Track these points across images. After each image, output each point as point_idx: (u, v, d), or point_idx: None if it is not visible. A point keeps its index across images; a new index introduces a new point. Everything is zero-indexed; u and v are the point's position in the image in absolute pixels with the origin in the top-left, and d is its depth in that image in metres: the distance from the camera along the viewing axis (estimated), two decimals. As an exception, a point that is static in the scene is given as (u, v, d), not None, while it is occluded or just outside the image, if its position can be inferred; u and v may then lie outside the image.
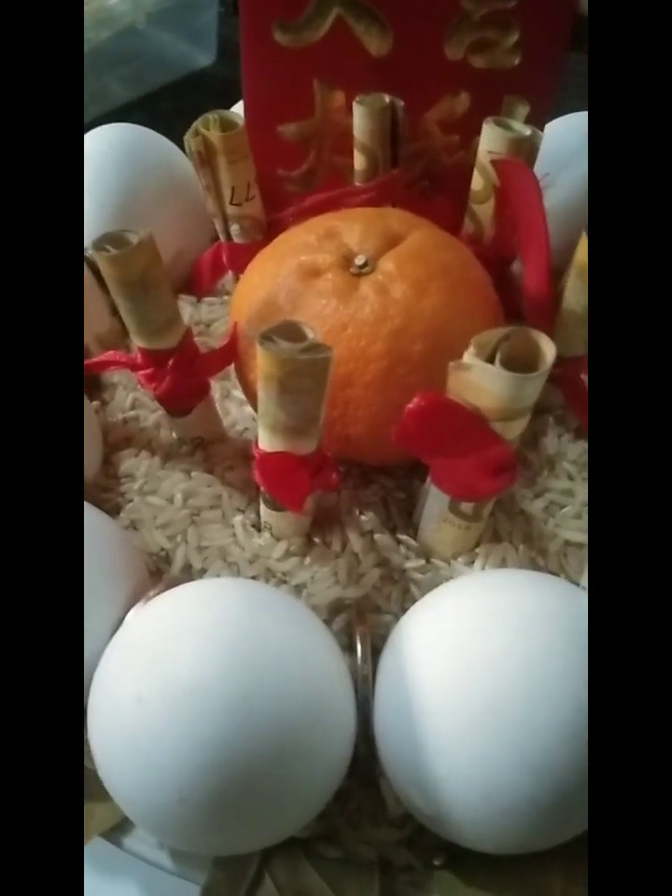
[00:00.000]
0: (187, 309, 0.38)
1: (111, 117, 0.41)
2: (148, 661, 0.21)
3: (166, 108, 0.65)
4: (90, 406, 0.32)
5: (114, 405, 0.34)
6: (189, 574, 0.29)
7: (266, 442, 0.25)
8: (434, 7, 0.31)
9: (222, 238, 0.36)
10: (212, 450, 0.32)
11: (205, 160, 0.32)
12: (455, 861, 0.24)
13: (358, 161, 0.33)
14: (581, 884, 0.23)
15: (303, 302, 0.28)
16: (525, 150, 0.30)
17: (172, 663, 0.20)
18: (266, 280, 0.29)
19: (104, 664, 0.22)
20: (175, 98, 0.66)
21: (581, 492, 0.31)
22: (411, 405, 0.24)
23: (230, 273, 0.37)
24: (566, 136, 0.38)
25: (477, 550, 0.29)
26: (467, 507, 0.27)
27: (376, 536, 0.30)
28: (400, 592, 0.29)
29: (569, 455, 0.32)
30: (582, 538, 0.30)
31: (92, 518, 0.26)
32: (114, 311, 0.28)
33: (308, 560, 0.29)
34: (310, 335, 0.23)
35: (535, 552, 0.29)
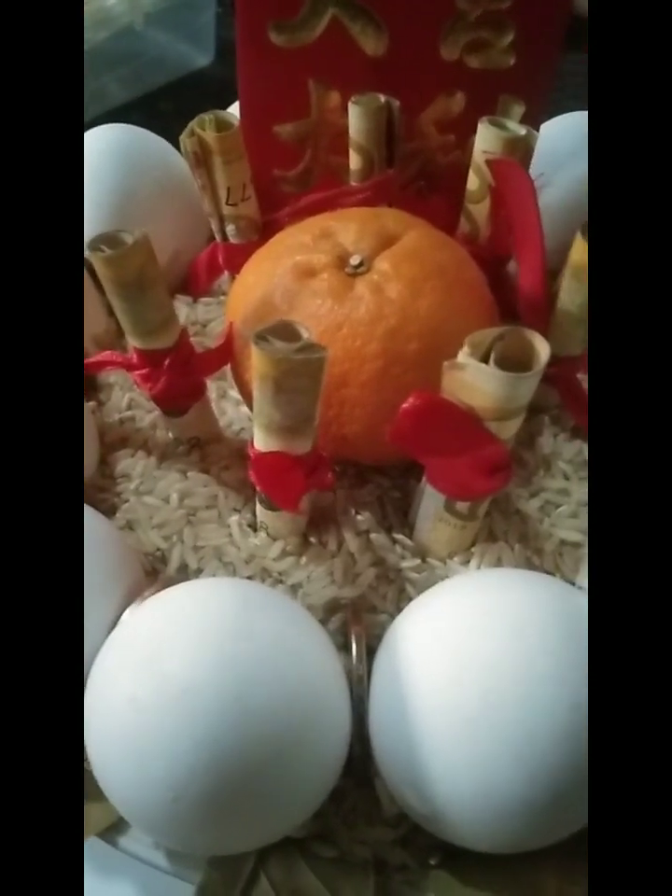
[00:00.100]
0: (183, 309, 0.38)
1: (109, 117, 0.41)
2: (142, 661, 0.21)
3: (164, 109, 0.65)
4: (86, 406, 0.32)
5: (110, 405, 0.34)
6: (184, 574, 0.29)
7: (261, 442, 0.25)
8: (429, 7, 0.31)
9: (218, 238, 0.36)
10: (208, 450, 0.32)
11: (201, 160, 0.32)
12: (450, 861, 0.24)
13: (354, 161, 0.33)
14: (575, 883, 0.23)
15: (299, 302, 0.28)
16: (521, 150, 0.30)
17: (166, 662, 0.20)
18: (262, 280, 0.29)
19: (98, 663, 0.22)
20: (173, 98, 0.66)
21: (577, 491, 0.31)
22: (405, 405, 0.24)
23: (226, 273, 0.37)
24: (561, 136, 0.38)
25: (473, 549, 0.29)
26: (462, 506, 0.27)
27: (372, 535, 0.30)
28: (396, 591, 0.29)
29: (565, 455, 0.32)
30: (578, 537, 0.30)
31: (89, 518, 0.26)
32: (110, 311, 0.28)
33: (304, 560, 0.29)
34: (305, 335, 0.23)
35: (530, 551, 0.29)
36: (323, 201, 0.33)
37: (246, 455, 0.26)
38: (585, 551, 0.29)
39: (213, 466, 0.32)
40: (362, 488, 0.31)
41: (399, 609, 0.26)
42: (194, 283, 0.39)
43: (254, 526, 0.30)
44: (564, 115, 0.40)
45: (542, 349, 0.23)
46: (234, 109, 0.35)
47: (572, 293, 0.28)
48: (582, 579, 0.28)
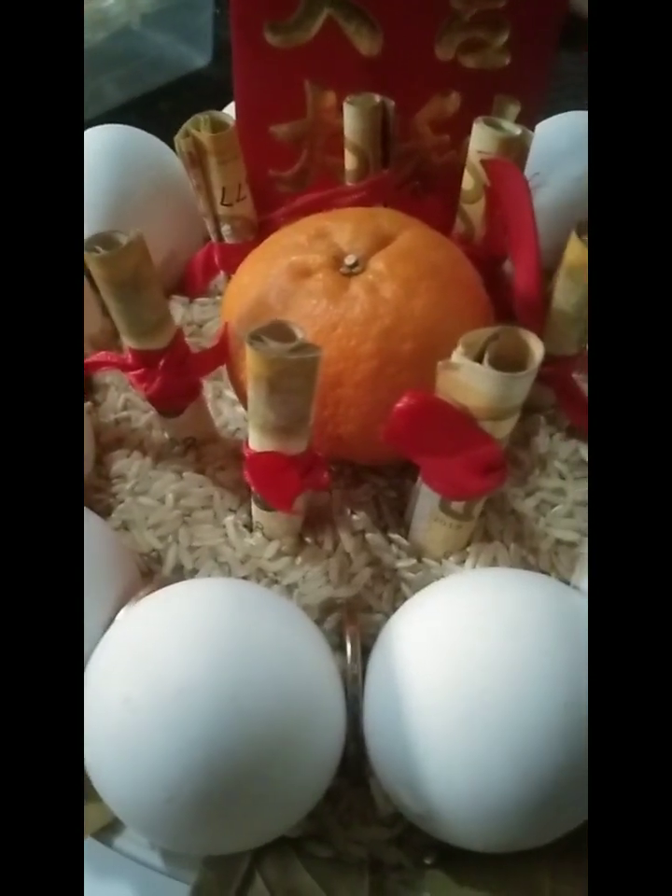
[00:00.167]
0: (179, 309, 0.38)
1: (107, 118, 0.41)
2: (136, 661, 0.21)
3: (162, 109, 0.65)
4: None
5: (106, 406, 0.34)
6: (180, 574, 0.29)
7: (256, 442, 0.25)
8: (424, 7, 0.31)
9: (213, 238, 0.36)
10: (204, 450, 0.32)
11: (196, 160, 0.32)
12: (445, 860, 0.24)
13: (349, 161, 0.33)
14: (569, 882, 0.23)
15: (294, 302, 0.28)
16: (516, 150, 0.30)
17: (159, 663, 0.20)
18: (257, 280, 0.29)
19: (93, 664, 0.22)
20: (171, 99, 0.66)
21: (573, 491, 0.31)
22: (399, 404, 0.24)
23: (222, 273, 0.37)
24: (557, 136, 0.38)
25: (468, 549, 0.29)
26: (457, 506, 0.27)
27: (368, 535, 0.30)
28: (392, 591, 0.29)
29: (561, 455, 0.32)
30: (574, 536, 0.30)
31: (84, 518, 0.27)
32: (105, 312, 0.28)
33: (299, 560, 0.29)
34: (299, 335, 0.23)
35: (526, 550, 0.29)
36: (318, 201, 0.33)
37: (242, 455, 0.26)
38: (581, 550, 0.29)
39: (208, 466, 0.32)
40: (358, 488, 0.31)
41: (395, 609, 0.25)
42: (190, 283, 0.39)
43: (249, 527, 0.30)
44: (559, 115, 0.40)
45: (536, 349, 0.23)
46: (231, 110, 0.35)
47: (567, 293, 0.28)
48: (578, 578, 0.28)
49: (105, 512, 0.30)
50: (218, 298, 0.39)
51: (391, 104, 0.32)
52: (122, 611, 0.25)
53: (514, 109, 0.33)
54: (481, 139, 0.30)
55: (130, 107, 0.65)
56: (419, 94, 0.33)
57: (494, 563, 0.29)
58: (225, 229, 0.35)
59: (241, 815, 0.21)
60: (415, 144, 0.35)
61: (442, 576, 0.28)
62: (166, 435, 0.33)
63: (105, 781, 0.21)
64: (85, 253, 0.24)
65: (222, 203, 0.33)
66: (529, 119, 0.33)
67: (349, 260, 0.28)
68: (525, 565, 0.29)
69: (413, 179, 0.36)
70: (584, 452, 0.32)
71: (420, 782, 0.21)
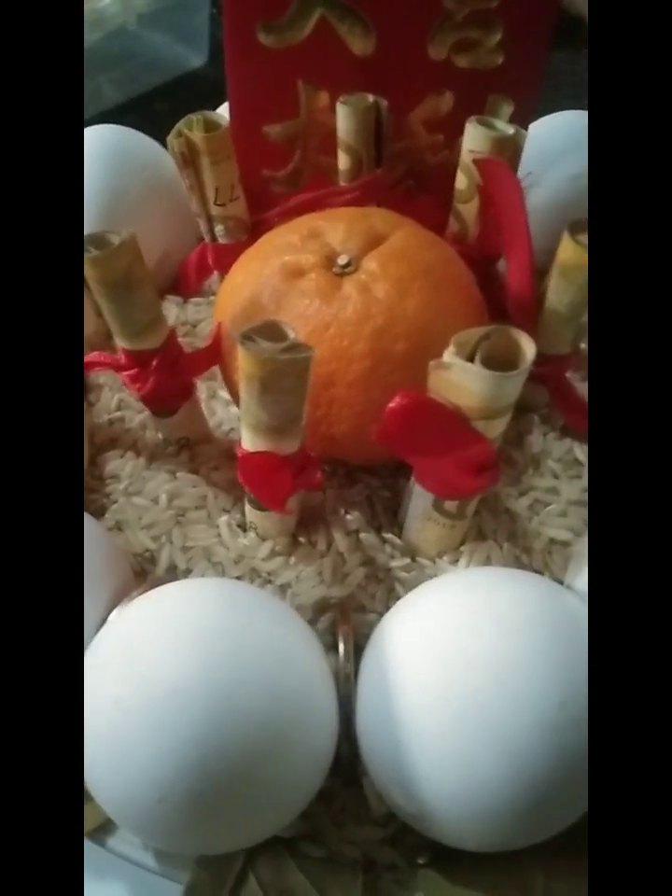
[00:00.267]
0: (173, 309, 0.38)
1: (104, 118, 0.41)
2: (127, 661, 0.21)
3: (159, 109, 0.65)
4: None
5: (100, 406, 0.34)
6: (173, 574, 0.29)
7: (249, 442, 0.25)
8: (416, 7, 0.31)
9: (207, 239, 0.36)
10: (198, 450, 0.32)
11: (189, 160, 0.32)
12: (438, 860, 0.24)
13: (343, 161, 0.33)
14: (562, 880, 0.23)
15: (287, 302, 0.28)
16: (509, 149, 0.30)
17: (150, 663, 0.20)
18: (250, 280, 0.29)
19: (85, 664, 0.22)
20: (167, 99, 0.66)
21: (566, 490, 0.31)
22: (391, 404, 0.24)
23: (216, 273, 0.37)
24: (551, 135, 0.38)
25: (462, 548, 0.29)
26: (450, 505, 0.27)
27: (361, 535, 0.30)
28: (385, 591, 0.29)
29: (554, 454, 0.32)
30: (567, 535, 0.30)
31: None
32: (99, 312, 0.28)
33: (293, 560, 0.29)
34: (291, 335, 0.23)
35: (519, 550, 0.29)
36: (312, 201, 0.33)
37: (236, 455, 0.26)
38: (574, 549, 0.29)
39: (202, 466, 0.32)
40: (352, 488, 0.31)
41: (389, 609, 0.26)
42: (184, 283, 0.39)
43: (243, 527, 0.30)
44: (553, 114, 0.40)
45: (528, 348, 0.23)
46: (227, 109, 0.35)
47: (560, 292, 0.28)
48: (571, 577, 0.28)
49: (98, 513, 0.30)
50: (212, 298, 0.39)
51: (384, 103, 0.32)
52: (115, 612, 0.25)
53: (508, 109, 0.33)
54: (474, 139, 0.30)
55: (126, 107, 0.65)
56: (413, 94, 0.33)
57: (487, 562, 0.29)
58: (218, 229, 0.35)
59: (233, 815, 0.21)
60: (409, 143, 0.35)
61: (436, 575, 0.28)
62: (160, 435, 0.33)
63: (97, 781, 0.21)
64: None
65: (215, 204, 0.33)
66: (523, 119, 0.33)
67: (342, 260, 0.28)
68: (519, 564, 0.29)
69: (407, 179, 0.36)
70: (578, 451, 0.32)
71: (412, 782, 0.21)
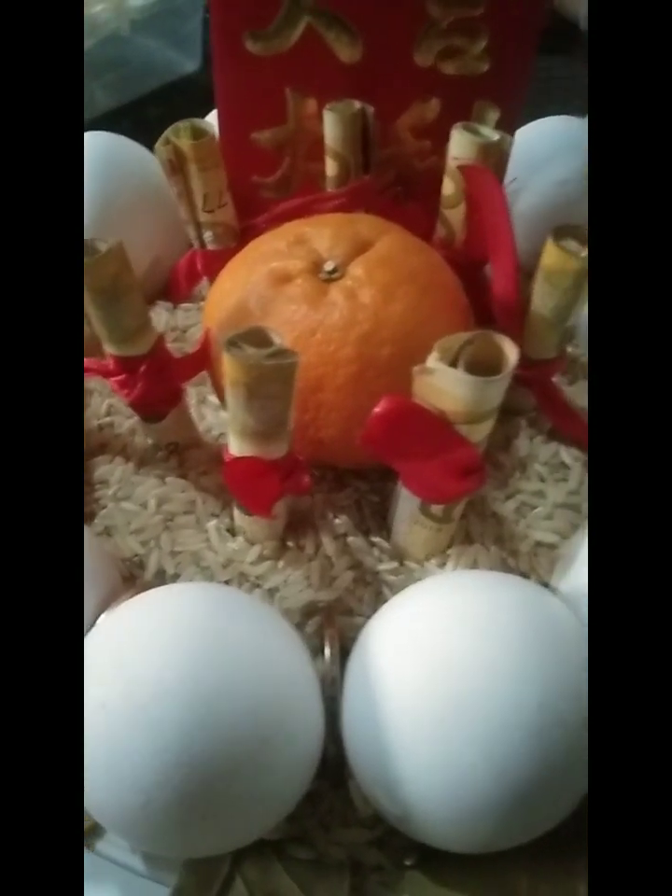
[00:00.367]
0: (163, 315, 0.38)
1: (97, 124, 0.41)
2: (113, 666, 0.21)
3: (152, 115, 0.65)
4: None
5: (90, 412, 0.34)
6: (162, 579, 0.29)
7: (236, 447, 0.25)
8: (402, 14, 0.31)
9: (195, 245, 0.36)
10: (187, 455, 0.32)
11: (177, 167, 0.32)
12: (425, 861, 0.24)
13: (330, 168, 0.33)
14: (546, 881, 0.23)
15: (274, 308, 0.28)
16: (495, 155, 0.31)
17: (135, 668, 0.21)
18: (237, 286, 0.30)
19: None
20: (160, 105, 0.66)
21: (552, 493, 0.31)
22: (377, 409, 0.24)
23: (205, 279, 0.37)
24: (538, 141, 0.39)
25: (449, 551, 0.29)
26: (437, 509, 0.27)
27: (350, 538, 0.30)
28: (373, 594, 0.29)
29: (541, 457, 0.32)
30: (553, 538, 0.30)
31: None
32: (87, 319, 0.28)
33: (281, 564, 0.29)
34: (276, 340, 0.23)
35: (506, 553, 0.29)
36: (299, 207, 0.33)
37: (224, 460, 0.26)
38: (560, 552, 0.29)
39: (191, 471, 0.32)
40: (340, 492, 0.31)
41: (376, 612, 0.26)
42: (174, 289, 0.39)
43: (232, 531, 0.30)
44: (540, 120, 0.40)
45: (511, 353, 0.23)
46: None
47: (545, 297, 0.29)
48: (557, 579, 0.28)
49: (87, 518, 0.31)
50: (202, 303, 0.39)
51: (370, 110, 0.32)
52: (102, 616, 0.25)
53: (494, 115, 0.33)
54: (460, 145, 0.31)
55: (119, 113, 0.65)
56: (399, 101, 0.34)
57: (474, 565, 0.29)
58: (207, 235, 0.35)
59: (219, 818, 0.21)
60: (396, 150, 0.35)
61: (423, 578, 0.28)
62: (149, 440, 0.33)
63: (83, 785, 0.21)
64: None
65: (204, 210, 0.33)
66: (509, 125, 0.33)
67: (328, 266, 0.29)
68: (506, 567, 0.29)
69: (396, 185, 0.36)
70: (565, 455, 0.32)
71: (396, 784, 0.22)
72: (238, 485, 0.26)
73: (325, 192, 0.34)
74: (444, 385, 0.23)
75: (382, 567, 0.29)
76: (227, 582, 0.29)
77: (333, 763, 0.24)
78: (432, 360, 0.23)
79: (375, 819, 0.25)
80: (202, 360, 0.30)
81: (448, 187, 0.32)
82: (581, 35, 0.78)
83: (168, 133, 0.32)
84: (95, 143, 0.37)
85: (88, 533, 0.28)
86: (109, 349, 0.28)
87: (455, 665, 0.21)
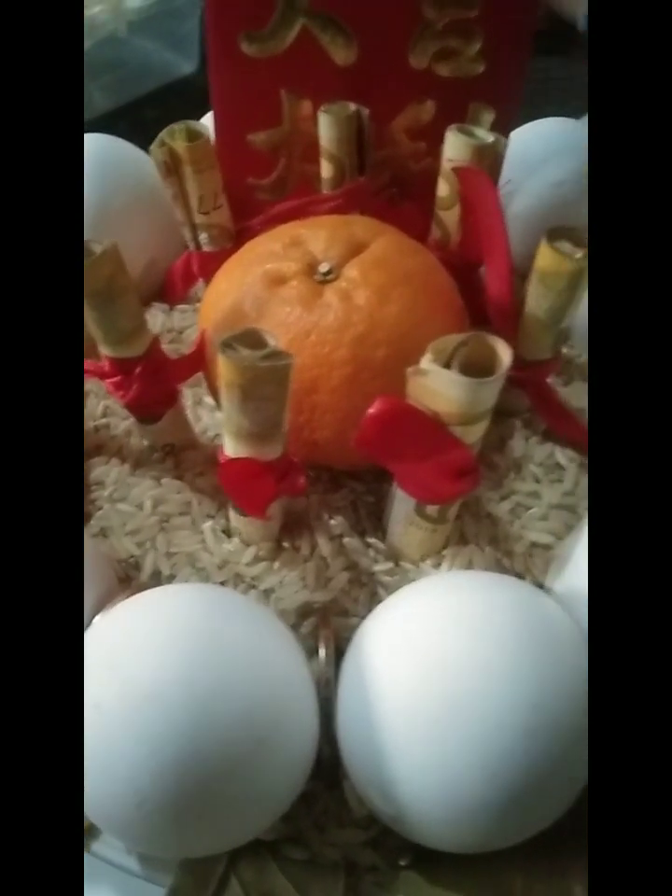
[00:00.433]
0: (159, 316, 0.39)
1: (94, 125, 0.41)
2: (107, 667, 0.21)
3: (149, 116, 0.65)
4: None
5: (86, 413, 0.34)
6: (158, 580, 0.29)
7: (231, 449, 0.25)
8: (397, 16, 0.31)
9: (191, 247, 0.36)
10: (182, 456, 0.32)
11: (172, 169, 0.32)
12: (420, 861, 0.25)
13: (325, 169, 0.33)
14: (541, 881, 0.23)
15: (268, 310, 0.28)
16: (489, 157, 0.31)
17: (130, 669, 0.21)
18: (233, 288, 0.30)
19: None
20: (158, 106, 0.66)
21: (547, 494, 0.31)
22: (370, 410, 0.24)
23: (201, 280, 0.37)
24: (534, 142, 0.39)
25: (444, 552, 0.29)
26: (432, 510, 0.27)
27: (345, 539, 0.30)
28: (368, 595, 0.29)
29: (536, 458, 0.32)
30: (548, 539, 0.30)
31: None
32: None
33: (277, 565, 0.29)
34: (270, 342, 0.23)
35: (501, 553, 0.29)
36: (295, 209, 0.33)
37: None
38: (555, 552, 0.29)
39: (187, 472, 0.32)
40: (336, 493, 0.32)
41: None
42: (170, 290, 0.39)
43: (228, 532, 0.30)
44: (535, 121, 0.40)
45: (504, 354, 0.23)
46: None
47: (539, 298, 0.29)
48: (551, 580, 0.28)
49: (83, 519, 0.31)
50: (198, 305, 0.39)
51: (365, 112, 0.32)
52: (97, 618, 0.25)
53: (489, 116, 0.33)
54: (454, 146, 0.31)
55: (116, 114, 0.65)
56: (394, 102, 0.34)
57: (469, 566, 0.29)
58: (203, 237, 0.35)
59: (213, 818, 0.21)
60: (392, 151, 0.35)
61: (418, 579, 0.28)
62: (145, 442, 0.33)
63: (78, 786, 0.21)
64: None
65: (199, 212, 0.34)
66: (504, 126, 0.33)
67: (323, 268, 0.29)
68: (500, 567, 0.29)
69: (391, 186, 0.36)
70: (559, 455, 0.32)
71: (390, 784, 0.22)
72: (233, 487, 0.26)
73: (320, 194, 0.34)
74: (438, 386, 0.23)
75: (377, 567, 0.29)
76: (223, 583, 0.29)
77: (328, 764, 0.24)
78: (426, 362, 0.23)
79: (370, 819, 0.25)
80: (197, 362, 0.30)
81: (443, 188, 0.32)
82: (578, 35, 0.78)
83: (163, 135, 0.32)
84: (91, 145, 0.37)
85: (84, 534, 0.28)
86: (105, 351, 0.28)
87: (450, 665, 0.22)
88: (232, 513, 0.29)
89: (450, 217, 0.33)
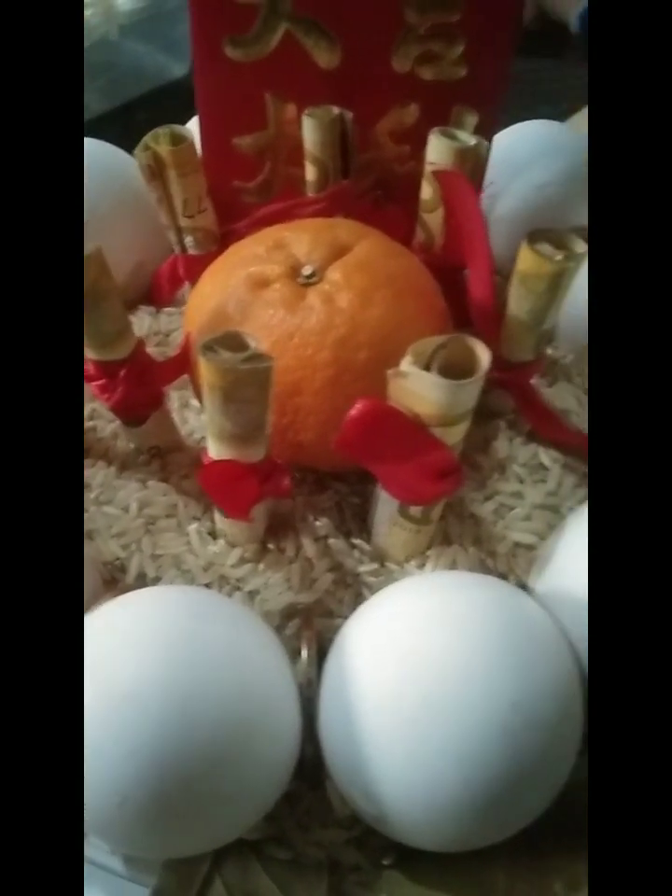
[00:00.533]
0: (146, 319, 0.39)
1: (85, 129, 0.42)
2: (88, 668, 0.21)
3: (140, 119, 0.65)
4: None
5: (72, 416, 0.34)
6: (143, 582, 0.29)
7: (214, 451, 0.26)
8: (379, 20, 0.31)
9: (177, 250, 0.36)
10: (169, 459, 0.33)
11: (156, 173, 0.32)
12: (403, 861, 0.25)
13: (310, 173, 0.33)
14: (523, 879, 0.23)
15: (252, 313, 0.29)
16: (471, 160, 0.31)
17: (110, 669, 0.21)
18: (216, 291, 0.30)
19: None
20: (149, 109, 0.66)
21: (531, 494, 0.31)
22: (351, 412, 0.24)
23: (187, 283, 0.38)
24: (519, 145, 0.39)
25: (428, 552, 0.29)
26: (415, 511, 0.27)
27: (330, 541, 0.30)
28: (353, 596, 0.29)
29: (520, 459, 0.32)
30: (531, 539, 0.30)
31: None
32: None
33: (262, 566, 0.29)
34: (252, 345, 0.23)
35: (484, 553, 0.30)
36: (279, 212, 0.34)
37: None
38: (538, 552, 0.30)
39: (173, 475, 0.32)
40: (321, 494, 0.32)
41: (356, 613, 0.26)
42: (157, 293, 0.39)
43: (213, 534, 0.30)
44: (520, 123, 0.40)
45: (483, 356, 0.23)
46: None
47: (521, 300, 0.29)
48: (534, 580, 0.29)
49: (70, 522, 0.31)
50: (184, 307, 0.39)
51: (349, 115, 0.32)
52: (82, 620, 0.25)
53: (472, 120, 0.34)
54: (437, 150, 0.31)
55: (108, 117, 0.66)
56: (378, 105, 0.34)
57: (453, 566, 0.29)
58: (188, 240, 0.35)
59: (194, 818, 0.21)
60: (376, 154, 0.35)
61: (402, 579, 0.29)
62: (131, 444, 0.33)
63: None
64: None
65: (184, 215, 0.34)
66: (487, 129, 0.34)
67: (306, 271, 0.29)
68: (484, 568, 0.29)
69: (375, 189, 0.36)
70: (543, 456, 0.32)
71: (372, 783, 0.22)
72: (215, 489, 0.26)
73: (305, 197, 0.34)
74: (418, 388, 0.23)
75: (362, 568, 0.29)
76: (208, 585, 0.29)
77: (311, 764, 0.25)
78: (406, 364, 0.23)
79: (353, 819, 0.25)
80: (182, 364, 0.30)
81: (426, 191, 0.32)
82: (570, 37, 0.78)
83: (147, 139, 0.32)
84: (78, 149, 0.37)
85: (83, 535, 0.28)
86: (89, 354, 0.28)
87: (431, 665, 0.22)
88: (218, 515, 0.29)
89: (434, 219, 0.33)
